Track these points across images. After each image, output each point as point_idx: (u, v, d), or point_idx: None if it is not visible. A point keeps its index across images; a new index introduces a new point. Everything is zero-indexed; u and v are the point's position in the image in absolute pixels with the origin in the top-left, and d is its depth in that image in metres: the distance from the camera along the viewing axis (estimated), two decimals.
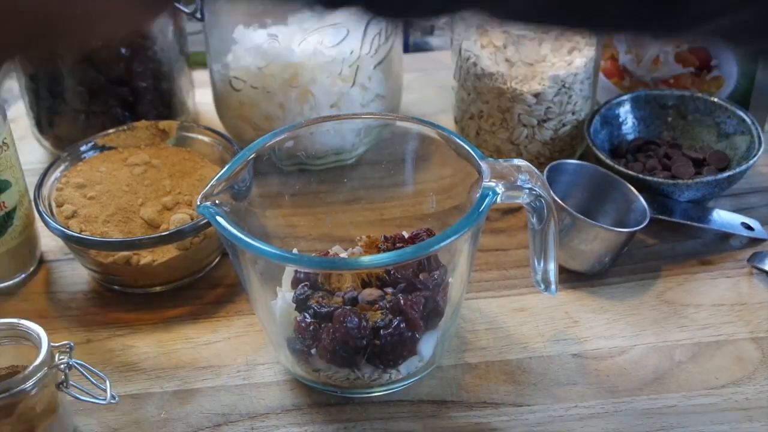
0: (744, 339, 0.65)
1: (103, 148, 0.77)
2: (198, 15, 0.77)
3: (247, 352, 0.66)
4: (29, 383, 0.54)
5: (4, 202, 0.69)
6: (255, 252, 0.55)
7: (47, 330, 0.57)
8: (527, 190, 0.58)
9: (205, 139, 0.78)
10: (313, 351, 0.59)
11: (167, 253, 0.70)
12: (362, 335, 0.58)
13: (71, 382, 0.57)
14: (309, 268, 0.60)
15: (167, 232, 0.68)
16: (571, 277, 0.71)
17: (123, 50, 0.81)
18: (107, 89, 0.82)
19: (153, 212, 0.71)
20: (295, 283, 0.62)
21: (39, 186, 0.72)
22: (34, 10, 0.39)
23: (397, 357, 0.59)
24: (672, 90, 0.82)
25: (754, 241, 0.74)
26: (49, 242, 0.76)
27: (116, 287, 0.72)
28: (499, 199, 0.57)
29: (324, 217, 0.70)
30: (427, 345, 0.60)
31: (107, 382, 0.58)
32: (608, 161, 0.75)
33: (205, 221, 0.67)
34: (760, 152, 0.75)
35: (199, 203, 0.57)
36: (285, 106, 0.79)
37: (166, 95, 0.86)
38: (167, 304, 0.71)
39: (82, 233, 0.69)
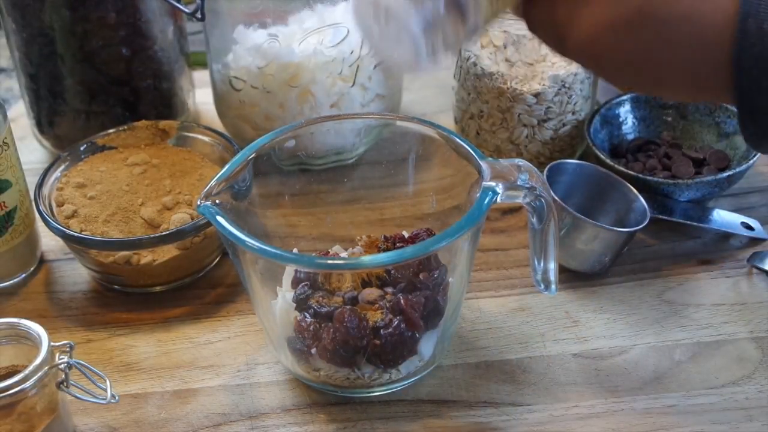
0: (744, 339, 0.65)
1: (103, 148, 0.77)
2: (198, 15, 0.77)
3: (247, 352, 0.66)
4: (29, 383, 0.54)
5: (4, 202, 0.69)
6: (255, 252, 0.55)
7: (47, 329, 0.57)
8: (527, 190, 0.58)
9: (205, 138, 0.78)
10: (313, 351, 0.59)
11: (167, 252, 0.70)
12: (362, 335, 0.58)
13: (71, 382, 0.57)
14: (309, 268, 0.60)
15: (167, 232, 0.68)
16: (571, 277, 0.71)
17: (123, 50, 0.81)
18: (107, 89, 0.82)
19: (153, 212, 0.71)
20: (295, 282, 0.62)
21: (39, 186, 0.72)
22: None
23: (397, 357, 0.59)
24: None
25: (754, 241, 0.74)
26: (49, 242, 0.76)
27: (116, 287, 0.72)
28: (499, 199, 0.57)
29: (324, 217, 0.70)
30: (427, 345, 0.60)
31: (107, 382, 0.58)
32: (608, 161, 0.75)
33: (205, 221, 0.67)
34: None
35: (199, 203, 0.57)
36: (285, 105, 0.79)
37: (166, 95, 0.86)
38: (167, 304, 0.71)
39: (82, 233, 0.69)
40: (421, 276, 0.61)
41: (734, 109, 0.77)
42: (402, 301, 0.59)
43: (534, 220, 0.60)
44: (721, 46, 0.44)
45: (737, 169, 0.73)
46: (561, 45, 0.49)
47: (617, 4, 0.45)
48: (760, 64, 0.43)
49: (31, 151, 0.89)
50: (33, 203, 0.72)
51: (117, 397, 0.58)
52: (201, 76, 0.92)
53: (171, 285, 0.72)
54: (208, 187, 0.58)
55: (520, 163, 0.59)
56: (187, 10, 0.78)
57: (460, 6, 0.48)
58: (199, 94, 0.92)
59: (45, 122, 0.86)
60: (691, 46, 0.44)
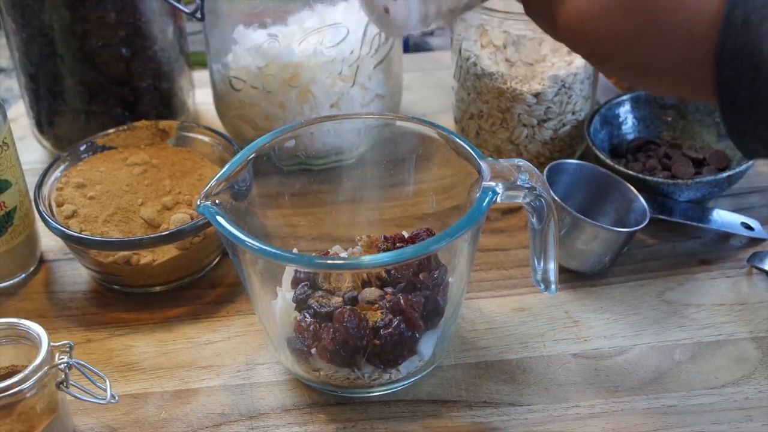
0: (744, 339, 0.65)
1: (103, 148, 0.77)
2: (198, 15, 0.77)
3: (247, 352, 0.66)
4: (29, 383, 0.54)
5: (4, 202, 0.69)
6: (255, 252, 0.55)
7: (47, 330, 0.57)
8: (527, 190, 0.58)
9: (205, 139, 0.78)
10: (313, 351, 0.59)
11: (167, 253, 0.70)
12: (362, 335, 0.58)
13: (71, 382, 0.57)
14: (309, 268, 0.60)
15: (167, 232, 0.68)
16: (571, 277, 0.71)
17: (123, 50, 0.81)
18: (107, 89, 0.82)
19: (153, 212, 0.71)
20: (295, 282, 0.62)
21: (39, 186, 0.72)
22: None
23: (397, 357, 0.59)
24: None
25: (754, 241, 0.74)
26: (49, 242, 0.76)
27: (116, 287, 0.72)
28: (499, 199, 0.57)
29: (324, 217, 0.70)
30: (427, 345, 0.60)
31: (107, 382, 0.58)
32: (608, 161, 0.75)
33: (205, 221, 0.67)
34: None
35: (199, 203, 0.57)
36: (285, 106, 0.79)
37: (166, 95, 0.87)
38: (167, 304, 0.71)
39: (82, 233, 0.69)
40: (421, 276, 0.61)
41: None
42: (402, 301, 0.59)
43: (534, 220, 0.60)
44: (708, 36, 0.43)
45: (737, 169, 0.73)
46: (552, 25, 0.49)
47: None
48: (742, 56, 0.42)
49: (31, 151, 0.89)
50: (33, 203, 0.72)
51: (117, 397, 0.58)
52: (201, 76, 0.92)
53: (171, 285, 0.72)
54: (208, 187, 0.58)
55: (520, 163, 0.59)
56: (187, 10, 0.78)
57: None
58: (199, 94, 0.92)
59: (45, 122, 0.86)
60: (681, 34, 0.44)
